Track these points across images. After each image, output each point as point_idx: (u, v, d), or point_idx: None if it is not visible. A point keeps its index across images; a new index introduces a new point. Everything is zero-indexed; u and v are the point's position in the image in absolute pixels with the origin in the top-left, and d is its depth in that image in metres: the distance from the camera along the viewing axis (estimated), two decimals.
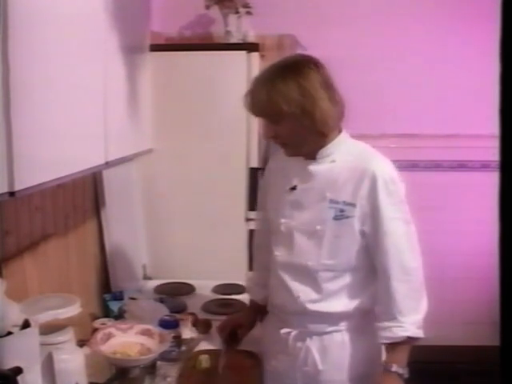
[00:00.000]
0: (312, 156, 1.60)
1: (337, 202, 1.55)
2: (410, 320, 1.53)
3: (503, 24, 0.74)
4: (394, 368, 1.52)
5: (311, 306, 1.60)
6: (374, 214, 1.53)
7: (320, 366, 1.61)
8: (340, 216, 1.54)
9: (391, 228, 1.53)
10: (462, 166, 3.50)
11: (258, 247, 1.89)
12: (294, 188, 1.63)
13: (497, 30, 0.75)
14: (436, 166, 3.51)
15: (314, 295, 1.60)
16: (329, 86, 1.54)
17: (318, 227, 1.57)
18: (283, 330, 1.66)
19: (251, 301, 1.92)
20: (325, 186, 1.57)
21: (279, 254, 1.66)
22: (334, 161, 1.58)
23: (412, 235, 1.56)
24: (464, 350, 3.46)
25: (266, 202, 1.75)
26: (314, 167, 1.59)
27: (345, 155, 1.58)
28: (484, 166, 3.40)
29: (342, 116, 1.60)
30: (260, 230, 1.89)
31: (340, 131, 1.62)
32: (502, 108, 0.74)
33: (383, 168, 1.55)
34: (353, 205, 1.53)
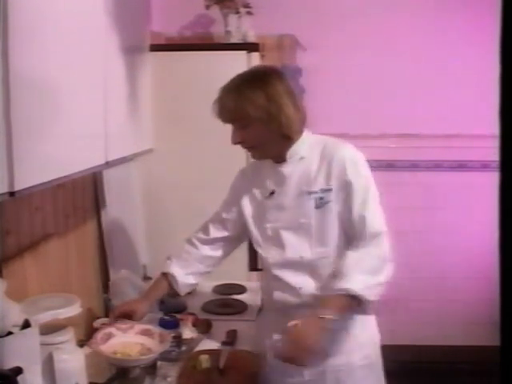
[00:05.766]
0: (281, 159, 1.68)
1: (315, 192, 1.62)
2: (360, 278, 1.51)
3: (503, 24, 0.74)
4: (320, 312, 1.47)
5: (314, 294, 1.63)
6: (345, 188, 1.60)
7: (328, 351, 1.63)
8: (320, 204, 1.62)
9: (360, 196, 1.59)
10: (461, 166, 3.50)
11: (200, 240, 1.86)
12: (272, 193, 1.69)
13: (497, 29, 0.75)
14: (436, 165, 3.51)
15: (314, 283, 1.64)
16: (291, 94, 1.65)
17: (302, 220, 1.63)
18: (289, 323, 1.66)
19: (157, 287, 1.84)
20: (300, 181, 1.65)
21: (270, 255, 1.69)
22: (303, 157, 1.67)
23: (378, 205, 1.62)
24: (464, 349, 3.46)
25: (240, 205, 1.77)
26: (285, 168, 1.68)
27: (311, 149, 1.67)
28: (484, 166, 3.40)
29: (305, 121, 1.69)
30: (214, 225, 1.86)
31: (301, 132, 1.69)
32: (501, 108, 0.75)
33: (349, 151, 1.64)
34: (329, 190, 1.61)
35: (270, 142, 1.65)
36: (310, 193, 1.63)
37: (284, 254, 1.66)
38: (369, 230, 1.57)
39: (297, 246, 1.65)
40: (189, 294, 2.01)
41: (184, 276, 1.82)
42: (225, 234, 1.84)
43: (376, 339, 1.72)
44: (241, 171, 1.87)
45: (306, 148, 1.67)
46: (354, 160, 1.62)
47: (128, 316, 1.73)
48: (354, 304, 1.52)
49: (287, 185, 1.67)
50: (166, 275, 1.83)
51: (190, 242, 1.88)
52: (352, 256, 1.55)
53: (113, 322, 1.72)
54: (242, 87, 1.62)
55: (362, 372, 1.66)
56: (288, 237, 1.66)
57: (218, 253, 1.86)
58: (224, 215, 1.84)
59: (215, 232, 1.84)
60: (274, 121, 1.60)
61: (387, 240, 1.58)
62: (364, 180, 1.61)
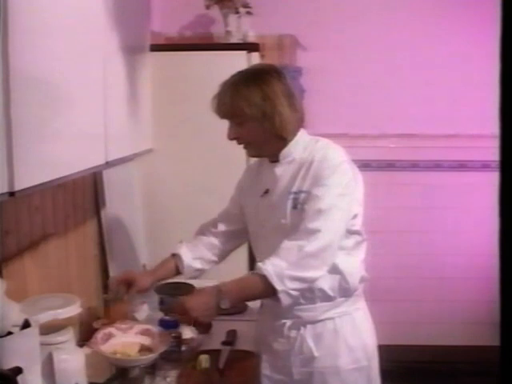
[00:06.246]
0: (276, 158, 1.69)
1: (293, 193, 1.62)
2: (279, 263, 1.51)
3: (503, 24, 0.74)
4: (217, 290, 1.55)
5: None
6: (312, 190, 1.57)
7: (315, 353, 1.64)
8: (295, 204, 1.60)
9: (321, 194, 1.55)
10: (461, 166, 3.50)
11: (210, 231, 1.89)
12: (266, 192, 1.70)
13: (497, 29, 0.75)
14: (436, 165, 3.51)
15: None
16: (289, 94, 1.64)
17: (283, 221, 1.63)
18: (278, 322, 1.69)
19: (163, 266, 1.88)
20: (288, 183, 1.65)
21: (262, 256, 1.68)
22: (293, 159, 1.66)
23: (343, 210, 1.57)
24: (464, 349, 3.46)
25: (242, 204, 1.82)
26: (277, 169, 1.68)
27: (302, 152, 1.66)
28: (484, 166, 3.40)
29: (302, 122, 1.69)
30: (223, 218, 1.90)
31: (297, 133, 1.69)
32: (501, 108, 0.74)
33: (329, 153, 1.62)
34: (303, 191, 1.60)
35: (264, 141, 1.65)
36: (289, 193, 1.62)
37: (269, 255, 1.63)
38: (308, 225, 1.54)
39: (277, 247, 1.61)
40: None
41: (191, 259, 1.85)
42: (232, 227, 1.87)
43: (369, 342, 1.70)
44: (247, 168, 1.91)
45: (299, 149, 1.66)
46: (332, 164, 1.58)
47: (128, 283, 1.76)
48: (267, 288, 1.52)
49: (278, 185, 1.67)
50: (174, 256, 1.86)
51: (200, 230, 1.91)
52: (284, 244, 1.54)
53: (114, 284, 1.78)
54: (239, 84, 1.63)
55: (349, 375, 1.65)
56: (272, 237, 1.65)
57: (226, 245, 1.89)
58: (231, 210, 1.88)
59: (222, 226, 1.88)
60: (268, 120, 1.60)
61: (326, 243, 1.53)
62: (331, 186, 1.56)
